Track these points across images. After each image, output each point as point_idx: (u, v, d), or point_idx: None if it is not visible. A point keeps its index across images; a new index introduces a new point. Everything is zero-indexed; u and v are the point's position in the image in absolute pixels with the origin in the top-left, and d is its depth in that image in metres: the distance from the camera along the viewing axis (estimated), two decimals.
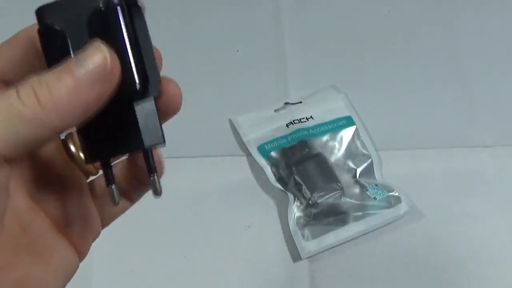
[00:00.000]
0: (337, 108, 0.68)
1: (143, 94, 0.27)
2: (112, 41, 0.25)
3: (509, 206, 0.63)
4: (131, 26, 0.26)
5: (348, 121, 0.67)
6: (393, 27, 0.74)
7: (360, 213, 0.61)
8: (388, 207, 0.61)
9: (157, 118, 0.27)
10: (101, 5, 0.26)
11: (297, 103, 0.68)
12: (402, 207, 0.62)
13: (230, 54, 0.72)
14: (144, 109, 0.27)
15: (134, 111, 0.27)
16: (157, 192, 0.28)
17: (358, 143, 0.66)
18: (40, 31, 0.27)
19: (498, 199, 0.63)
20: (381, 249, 0.61)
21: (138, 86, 0.26)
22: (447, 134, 0.67)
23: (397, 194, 0.62)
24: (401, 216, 0.62)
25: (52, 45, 0.26)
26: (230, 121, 0.68)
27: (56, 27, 0.26)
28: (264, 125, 0.67)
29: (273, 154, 0.65)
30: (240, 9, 0.75)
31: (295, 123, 0.66)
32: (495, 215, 0.63)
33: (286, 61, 0.72)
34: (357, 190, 0.63)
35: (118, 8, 0.26)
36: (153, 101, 0.27)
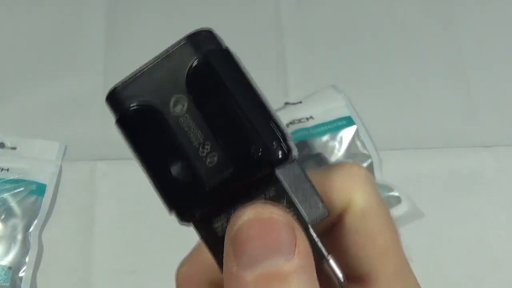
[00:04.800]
0: (337, 108, 0.68)
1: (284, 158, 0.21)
2: (233, 101, 0.20)
3: (509, 206, 0.63)
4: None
5: (348, 121, 0.67)
6: (393, 27, 0.74)
7: None
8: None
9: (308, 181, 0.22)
10: (195, 60, 0.20)
11: (297, 103, 0.68)
12: (402, 207, 0.62)
13: None
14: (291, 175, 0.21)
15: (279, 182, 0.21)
16: (342, 285, 0.22)
17: (358, 143, 0.66)
18: (121, 121, 0.21)
19: (498, 199, 0.63)
20: None
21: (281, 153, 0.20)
22: (447, 134, 0.67)
23: (397, 194, 0.62)
24: (401, 216, 0.62)
25: (147, 133, 0.21)
26: None
27: (144, 103, 0.21)
28: None
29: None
30: (240, 9, 0.75)
31: (295, 123, 0.66)
32: (495, 215, 0.63)
33: (286, 61, 0.72)
34: None
35: (229, 51, 0.21)
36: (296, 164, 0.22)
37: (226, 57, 0.21)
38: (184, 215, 0.22)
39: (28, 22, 0.73)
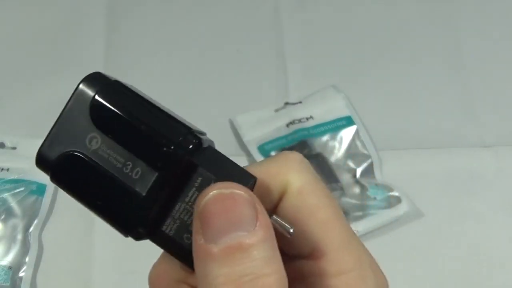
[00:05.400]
0: (337, 108, 0.68)
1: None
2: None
3: (509, 206, 0.63)
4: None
5: (348, 121, 0.67)
6: (393, 27, 0.74)
7: (360, 213, 0.61)
8: (388, 207, 0.61)
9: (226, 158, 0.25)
10: (91, 99, 0.24)
11: (297, 103, 0.68)
12: (402, 207, 0.62)
13: (230, 54, 0.72)
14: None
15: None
16: (291, 233, 0.24)
17: (358, 143, 0.66)
18: (53, 177, 0.24)
19: (498, 199, 0.63)
20: (381, 249, 0.61)
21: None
22: (447, 134, 0.67)
23: (397, 194, 0.62)
24: (401, 216, 0.62)
25: (77, 176, 0.24)
26: (230, 121, 0.68)
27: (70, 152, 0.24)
28: (264, 125, 0.67)
29: (273, 154, 0.65)
30: (240, 9, 0.75)
31: (295, 123, 0.66)
32: (495, 215, 0.63)
33: (286, 61, 0.72)
34: (357, 190, 0.63)
35: (118, 81, 0.25)
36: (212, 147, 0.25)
37: (116, 87, 0.24)
38: (138, 234, 0.24)
39: (28, 22, 0.73)
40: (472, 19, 0.74)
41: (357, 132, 0.66)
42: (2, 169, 0.62)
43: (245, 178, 0.24)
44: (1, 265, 0.57)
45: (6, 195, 0.60)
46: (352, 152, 0.65)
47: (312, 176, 0.25)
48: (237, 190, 0.22)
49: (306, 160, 0.26)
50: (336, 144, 0.65)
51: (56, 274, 0.59)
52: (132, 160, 0.23)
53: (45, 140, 0.24)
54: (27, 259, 0.58)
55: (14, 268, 0.58)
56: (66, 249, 0.60)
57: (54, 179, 0.24)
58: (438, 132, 0.68)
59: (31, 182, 0.61)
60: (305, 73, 0.71)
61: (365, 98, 0.69)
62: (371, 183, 0.63)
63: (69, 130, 0.24)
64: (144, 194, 0.23)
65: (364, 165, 0.65)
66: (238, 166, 0.24)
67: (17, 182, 0.61)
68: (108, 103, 0.24)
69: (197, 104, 0.68)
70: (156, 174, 0.23)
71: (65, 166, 0.24)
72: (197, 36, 0.73)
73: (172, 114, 0.24)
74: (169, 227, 0.24)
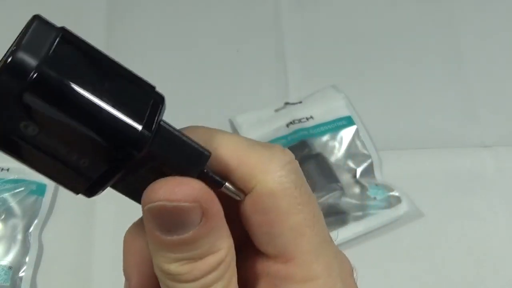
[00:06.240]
0: (337, 108, 0.68)
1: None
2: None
3: (509, 206, 0.63)
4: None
5: (348, 121, 0.67)
6: (393, 27, 0.74)
7: (360, 213, 0.61)
8: (388, 207, 0.61)
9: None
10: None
11: (297, 103, 0.68)
12: (402, 207, 0.62)
13: (230, 54, 0.72)
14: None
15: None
16: (242, 197, 0.25)
17: (358, 143, 0.66)
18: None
19: (498, 199, 0.63)
20: (381, 249, 0.61)
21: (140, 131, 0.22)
22: (447, 134, 0.67)
23: (397, 194, 0.62)
24: (401, 216, 0.62)
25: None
26: (230, 121, 0.68)
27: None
28: (264, 125, 0.67)
29: None
30: (240, 9, 0.75)
31: (295, 123, 0.66)
32: (495, 215, 0.63)
33: (286, 61, 0.72)
34: (357, 190, 0.63)
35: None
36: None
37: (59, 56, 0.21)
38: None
39: None
40: (472, 19, 0.74)
41: (357, 132, 0.66)
42: (2, 169, 0.62)
43: (197, 159, 0.24)
44: (1, 265, 0.57)
45: (6, 195, 0.60)
46: (352, 152, 0.65)
47: (296, 179, 0.25)
48: (181, 203, 0.22)
49: (294, 163, 0.25)
50: (336, 144, 0.65)
51: (56, 274, 0.59)
52: (77, 154, 0.22)
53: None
54: (27, 259, 0.58)
55: (14, 268, 0.58)
56: (66, 249, 0.60)
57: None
58: (438, 132, 0.68)
59: (31, 182, 0.61)
60: (305, 73, 0.71)
61: (365, 98, 0.69)
62: (371, 183, 0.63)
63: None
64: (95, 178, 0.22)
65: (364, 165, 0.65)
66: (191, 144, 0.24)
67: (17, 182, 0.61)
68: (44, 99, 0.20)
69: (197, 104, 0.68)
70: (106, 167, 0.22)
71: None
72: (197, 36, 0.73)
73: (115, 101, 0.22)
74: (134, 179, 0.23)
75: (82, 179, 0.22)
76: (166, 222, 0.23)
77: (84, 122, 0.21)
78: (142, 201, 0.23)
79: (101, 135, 0.21)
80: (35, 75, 0.20)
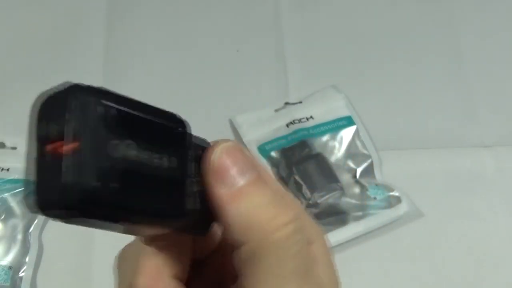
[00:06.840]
0: (337, 108, 0.68)
1: None
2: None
3: (509, 206, 0.63)
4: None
5: (348, 121, 0.67)
6: (393, 27, 0.74)
7: (360, 213, 0.61)
8: (388, 207, 0.61)
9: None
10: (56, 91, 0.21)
11: (297, 103, 0.68)
12: (402, 207, 0.62)
13: (230, 54, 0.72)
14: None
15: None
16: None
17: (358, 143, 0.66)
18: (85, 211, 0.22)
19: (498, 199, 0.63)
20: (381, 249, 0.61)
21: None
22: (447, 134, 0.67)
23: (397, 194, 0.62)
24: (401, 216, 0.62)
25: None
26: (230, 121, 0.68)
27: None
28: (264, 125, 0.67)
29: (273, 154, 0.65)
30: (240, 9, 0.75)
31: (295, 123, 0.66)
32: (495, 215, 0.63)
33: (286, 61, 0.72)
34: (357, 190, 0.63)
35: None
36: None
37: (104, 92, 0.22)
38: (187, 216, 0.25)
39: (29, 22, 0.73)
40: (472, 19, 0.74)
41: (357, 132, 0.66)
42: (2, 169, 0.62)
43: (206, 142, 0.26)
44: (1, 265, 0.57)
45: (6, 195, 0.60)
46: (352, 152, 0.65)
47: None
48: (237, 145, 0.26)
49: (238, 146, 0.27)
50: (336, 144, 0.65)
51: (56, 274, 0.59)
52: (155, 151, 0.23)
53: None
54: (27, 259, 0.58)
55: (14, 268, 0.58)
56: (66, 249, 0.60)
57: (85, 215, 0.21)
58: (438, 132, 0.68)
59: (31, 182, 0.61)
60: (305, 73, 0.71)
61: (365, 98, 0.69)
62: (371, 183, 0.63)
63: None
64: (179, 178, 0.24)
65: (364, 165, 0.65)
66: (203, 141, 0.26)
67: (17, 182, 0.61)
68: (117, 105, 0.22)
69: (197, 104, 0.68)
70: (175, 158, 0.24)
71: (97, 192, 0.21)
72: (197, 36, 0.73)
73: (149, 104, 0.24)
74: (191, 203, 0.25)
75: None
76: (234, 168, 0.26)
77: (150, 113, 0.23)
78: (207, 163, 0.25)
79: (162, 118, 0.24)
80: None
